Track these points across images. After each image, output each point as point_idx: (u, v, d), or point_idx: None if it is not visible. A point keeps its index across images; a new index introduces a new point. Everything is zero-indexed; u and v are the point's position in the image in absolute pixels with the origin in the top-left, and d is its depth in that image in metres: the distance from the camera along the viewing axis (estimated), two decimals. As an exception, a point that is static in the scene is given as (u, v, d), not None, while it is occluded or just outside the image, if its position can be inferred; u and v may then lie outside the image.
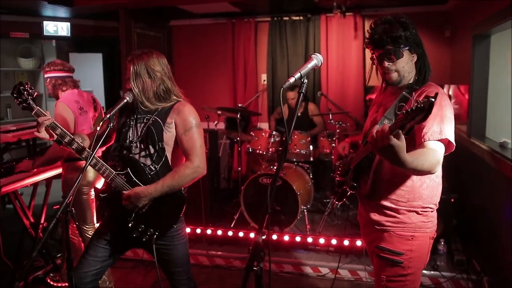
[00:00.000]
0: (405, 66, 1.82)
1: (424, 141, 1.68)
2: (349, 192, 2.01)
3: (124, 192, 2.10)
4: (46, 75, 3.14)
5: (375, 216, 1.92)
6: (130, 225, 2.12)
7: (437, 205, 1.91)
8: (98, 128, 2.00)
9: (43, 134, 2.16)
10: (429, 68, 1.87)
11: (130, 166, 2.13)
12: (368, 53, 5.51)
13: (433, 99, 1.29)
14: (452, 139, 1.71)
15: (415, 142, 1.72)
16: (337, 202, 2.15)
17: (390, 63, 1.81)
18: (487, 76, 3.72)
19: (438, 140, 1.68)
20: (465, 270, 3.37)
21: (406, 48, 1.80)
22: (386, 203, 1.87)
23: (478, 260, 3.44)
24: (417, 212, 1.85)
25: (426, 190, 1.84)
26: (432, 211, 1.89)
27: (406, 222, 1.85)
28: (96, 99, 3.37)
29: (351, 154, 2.08)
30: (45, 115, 2.15)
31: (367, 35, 1.88)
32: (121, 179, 2.12)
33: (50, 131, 2.16)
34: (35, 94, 2.24)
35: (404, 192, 1.84)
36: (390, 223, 1.87)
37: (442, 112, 1.70)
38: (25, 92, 2.21)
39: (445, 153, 1.72)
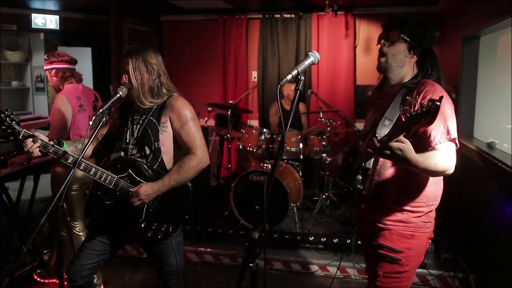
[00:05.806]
0: (395, 55, 1.83)
1: (435, 145, 1.70)
2: (355, 194, 1.98)
3: (131, 189, 2.09)
4: (52, 66, 3.04)
5: (377, 215, 1.93)
6: (143, 225, 2.12)
7: (438, 204, 1.93)
8: (91, 123, 1.97)
9: (37, 154, 2.04)
10: (435, 73, 1.86)
11: (131, 167, 2.13)
12: (358, 53, 5.60)
13: (438, 103, 1.29)
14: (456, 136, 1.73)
15: (423, 147, 1.72)
16: (340, 204, 2.13)
17: (385, 44, 1.84)
18: (476, 77, 3.78)
19: (448, 141, 1.70)
20: (452, 268, 3.42)
21: (406, 39, 1.81)
22: (390, 203, 1.89)
23: (465, 258, 3.50)
24: (421, 212, 1.88)
25: (431, 187, 1.86)
26: (431, 212, 1.92)
27: (408, 222, 1.88)
28: (98, 98, 3.30)
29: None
30: (32, 135, 2.03)
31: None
32: (124, 182, 2.11)
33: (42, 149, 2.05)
34: (18, 119, 2.02)
35: (409, 192, 1.86)
36: (391, 222, 1.89)
37: (444, 110, 1.71)
38: (7, 119, 1.97)
39: None
